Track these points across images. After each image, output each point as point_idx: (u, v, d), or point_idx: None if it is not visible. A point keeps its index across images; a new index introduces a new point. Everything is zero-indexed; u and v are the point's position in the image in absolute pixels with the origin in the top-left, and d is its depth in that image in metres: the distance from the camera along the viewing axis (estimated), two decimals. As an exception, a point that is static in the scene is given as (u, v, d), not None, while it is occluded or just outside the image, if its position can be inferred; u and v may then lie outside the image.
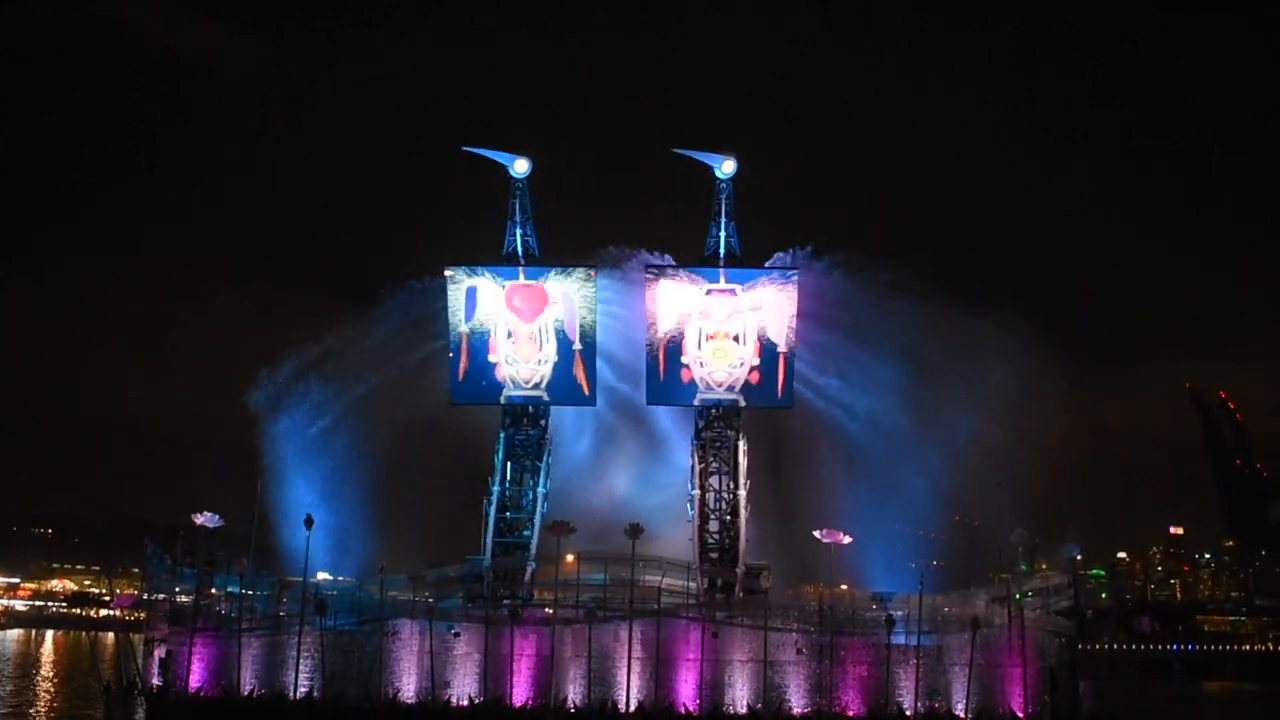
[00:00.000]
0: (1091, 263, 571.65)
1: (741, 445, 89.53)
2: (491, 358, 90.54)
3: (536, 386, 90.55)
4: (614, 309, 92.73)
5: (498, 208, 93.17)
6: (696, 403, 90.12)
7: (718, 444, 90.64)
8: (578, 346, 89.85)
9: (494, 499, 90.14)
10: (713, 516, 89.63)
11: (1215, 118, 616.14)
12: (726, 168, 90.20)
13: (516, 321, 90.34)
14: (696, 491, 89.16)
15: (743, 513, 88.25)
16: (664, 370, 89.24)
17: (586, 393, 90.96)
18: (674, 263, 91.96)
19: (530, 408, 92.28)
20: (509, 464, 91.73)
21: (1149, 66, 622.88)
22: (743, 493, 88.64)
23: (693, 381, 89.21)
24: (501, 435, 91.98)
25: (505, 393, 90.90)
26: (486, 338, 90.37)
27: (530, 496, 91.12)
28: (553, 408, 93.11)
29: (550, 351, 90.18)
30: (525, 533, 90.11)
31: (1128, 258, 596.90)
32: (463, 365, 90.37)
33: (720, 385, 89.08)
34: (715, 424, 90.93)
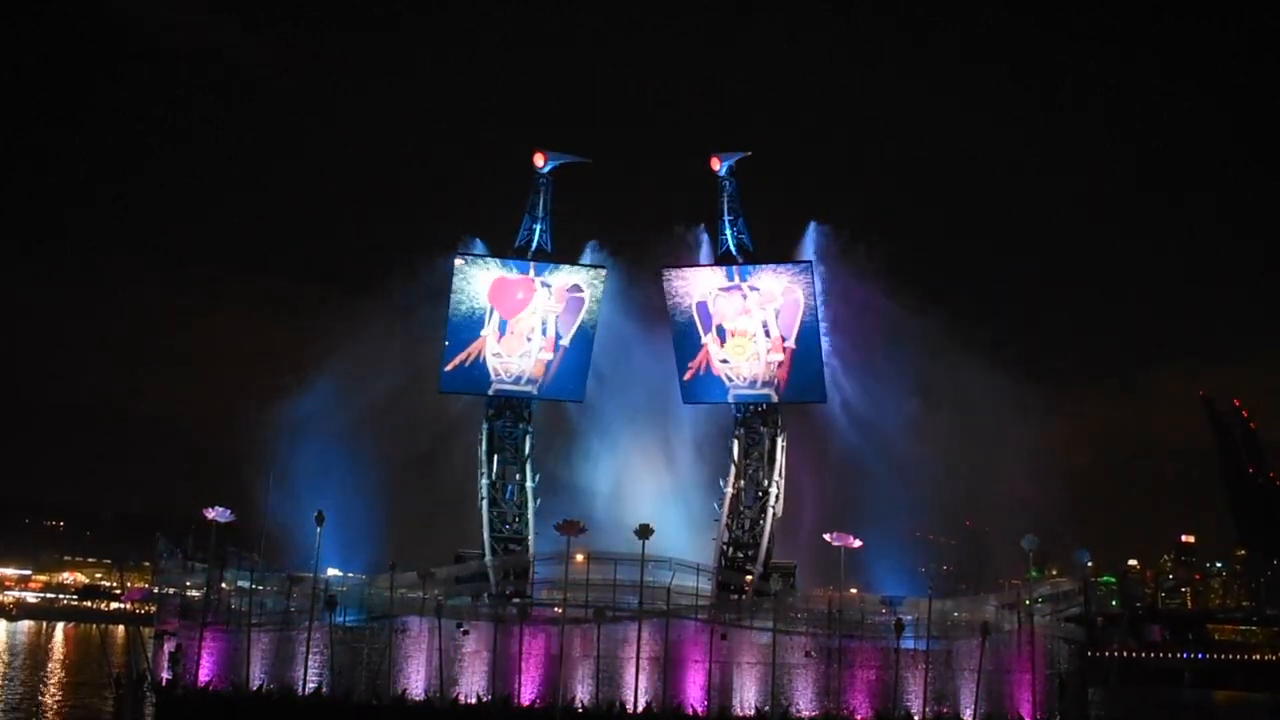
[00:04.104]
0: (1104, 272, 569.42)
1: (780, 442, 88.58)
2: (487, 349, 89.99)
3: (529, 381, 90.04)
4: (624, 308, 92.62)
5: (506, 200, 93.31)
6: (730, 399, 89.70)
7: (750, 441, 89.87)
8: (566, 342, 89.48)
9: (484, 494, 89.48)
10: (745, 514, 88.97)
11: (1227, 130, 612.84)
12: (727, 162, 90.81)
13: (518, 315, 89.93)
14: (730, 490, 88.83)
15: (769, 511, 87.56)
16: (694, 370, 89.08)
17: (578, 391, 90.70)
18: (687, 261, 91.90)
19: (516, 401, 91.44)
20: (494, 458, 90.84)
21: (1163, 80, 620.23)
22: (774, 491, 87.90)
23: (723, 379, 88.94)
24: (484, 427, 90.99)
25: (494, 385, 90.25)
26: (484, 329, 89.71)
27: (515, 491, 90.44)
28: (562, 408, 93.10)
29: (547, 347, 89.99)
30: (515, 527, 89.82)
31: (1141, 268, 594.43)
32: (459, 356, 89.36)
33: (749, 382, 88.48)
34: (752, 420, 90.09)
